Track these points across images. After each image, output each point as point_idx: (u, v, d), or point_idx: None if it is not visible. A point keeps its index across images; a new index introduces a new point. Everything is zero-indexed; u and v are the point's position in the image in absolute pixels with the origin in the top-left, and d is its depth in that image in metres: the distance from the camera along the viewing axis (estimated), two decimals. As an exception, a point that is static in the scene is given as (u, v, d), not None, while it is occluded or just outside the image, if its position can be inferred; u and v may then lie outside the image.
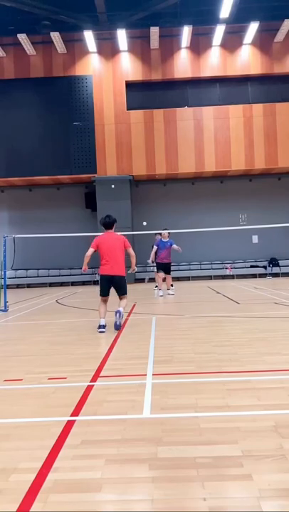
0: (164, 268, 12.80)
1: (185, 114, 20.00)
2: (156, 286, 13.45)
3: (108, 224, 7.32)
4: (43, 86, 19.80)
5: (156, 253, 12.82)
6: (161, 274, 12.80)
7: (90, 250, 7.29)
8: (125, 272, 7.19)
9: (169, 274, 12.98)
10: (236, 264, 21.00)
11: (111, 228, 7.36)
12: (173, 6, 18.01)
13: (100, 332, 6.87)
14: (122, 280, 7.14)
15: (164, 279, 13.01)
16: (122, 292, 7.21)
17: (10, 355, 5.71)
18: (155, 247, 12.84)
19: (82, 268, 7.50)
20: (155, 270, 13.46)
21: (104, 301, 7.28)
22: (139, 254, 16.77)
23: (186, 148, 19.73)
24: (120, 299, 7.28)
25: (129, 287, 7.37)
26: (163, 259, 12.73)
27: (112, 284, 7.13)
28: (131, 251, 7.34)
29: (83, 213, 20.98)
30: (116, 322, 7.01)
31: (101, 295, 7.24)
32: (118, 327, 7.00)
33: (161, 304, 11.36)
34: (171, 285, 13.33)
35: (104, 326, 6.95)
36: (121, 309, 7.07)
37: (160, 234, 13.34)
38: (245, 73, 20.07)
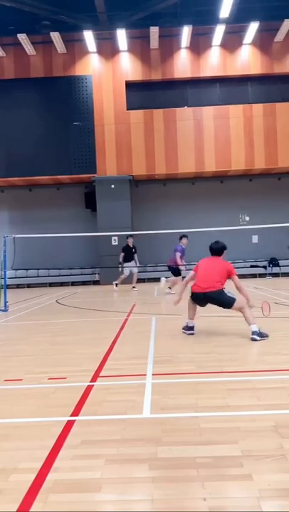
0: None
1: (185, 114, 19.99)
2: (134, 287, 15.27)
3: (214, 250, 6.90)
4: (43, 86, 19.79)
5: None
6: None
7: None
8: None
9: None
10: (236, 264, 20.96)
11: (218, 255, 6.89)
12: (173, 6, 17.99)
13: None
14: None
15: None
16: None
17: (10, 355, 5.71)
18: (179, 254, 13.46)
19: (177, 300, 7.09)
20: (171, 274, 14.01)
21: None
22: (139, 254, 16.84)
23: (186, 148, 19.73)
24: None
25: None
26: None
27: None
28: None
29: (83, 213, 20.97)
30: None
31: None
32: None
33: (161, 304, 11.36)
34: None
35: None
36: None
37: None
38: (245, 73, 20.06)
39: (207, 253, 7.10)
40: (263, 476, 2.32)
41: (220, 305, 6.43)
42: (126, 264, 15.73)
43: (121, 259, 15.66)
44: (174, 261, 13.32)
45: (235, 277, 6.59)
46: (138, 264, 15.99)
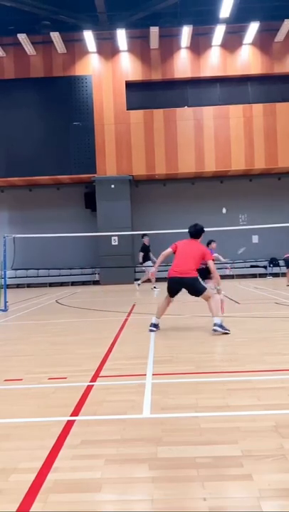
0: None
1: (185, 114, 19.99)
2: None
3: (192, 233, 6.98)
4: (43, 86, 19.79)
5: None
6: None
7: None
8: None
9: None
10: (236, 264, 20.98)
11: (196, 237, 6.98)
12: (173, 6, 17.99)
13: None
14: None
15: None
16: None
17: (10, 355, 5.71)
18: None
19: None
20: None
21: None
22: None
23: (186, 148, 19.73)
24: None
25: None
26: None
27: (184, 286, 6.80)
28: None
29: (83, 213, 20.97)
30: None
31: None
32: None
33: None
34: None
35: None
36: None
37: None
38: (245, 73, 20.06)
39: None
40: (263, 476, 2.32)
41: (191, 292, 6.68)
42: (146, 264, 15.59)
43: (141, 259, 15.58)
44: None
45: (211, 262, 6.79)
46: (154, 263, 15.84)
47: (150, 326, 6.74)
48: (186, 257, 6.62)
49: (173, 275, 6.63)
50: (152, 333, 6.67)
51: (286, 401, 3.46)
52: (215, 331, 6.19)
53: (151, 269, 15.54)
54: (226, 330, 6.23)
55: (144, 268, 15.97)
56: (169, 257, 6.97)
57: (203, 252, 6.74)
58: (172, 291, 6.78)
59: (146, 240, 15.74)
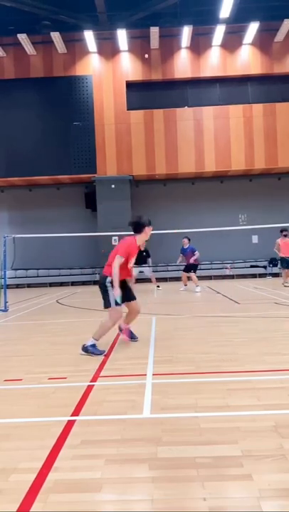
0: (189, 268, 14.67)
1: (185, 114, 20.00)
2: (158, 286, 15.47)
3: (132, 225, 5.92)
4: (43, 86, 19.80)
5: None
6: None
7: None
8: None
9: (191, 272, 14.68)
10: (236, 264, 21.00)
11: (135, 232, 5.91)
12: (173, 6, 18.00)
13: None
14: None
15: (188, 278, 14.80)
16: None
17: (10, 355, 5.71)
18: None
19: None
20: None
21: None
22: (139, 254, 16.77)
23: (186, 148, 19.73)
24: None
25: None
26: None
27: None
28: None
29: (83, 213, 20.98)
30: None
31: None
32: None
33: (161, 304, 11.36)
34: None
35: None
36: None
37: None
38: (245, 73, 20.06)
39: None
40: (263, 476, 2.32)
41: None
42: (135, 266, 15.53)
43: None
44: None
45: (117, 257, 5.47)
46: (150, 267, 15.72)
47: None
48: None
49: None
50: (152, 333, 6.67)
51: (286, 401, 3.46)
52: (83, 352, 5.26)
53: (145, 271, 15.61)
54: (96, 353, 5.24)
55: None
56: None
57: (116, 249, 5.62)
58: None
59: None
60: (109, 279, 5.41)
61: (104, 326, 5.40)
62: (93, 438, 2.90)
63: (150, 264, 15.61)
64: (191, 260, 14.33)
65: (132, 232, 5.87)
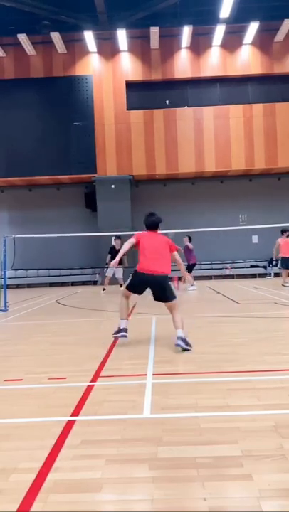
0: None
1: (185, 114, 20.00)
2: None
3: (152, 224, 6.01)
4: (43, 86, 19.80)
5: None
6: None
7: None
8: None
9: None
10: (236, 264, 20.99)
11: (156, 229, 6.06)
12: (173, 6, 17.99)
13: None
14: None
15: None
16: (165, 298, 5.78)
17: (10, 355, 5.71)
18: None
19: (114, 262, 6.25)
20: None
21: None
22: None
23: (186, 148, 19.73)
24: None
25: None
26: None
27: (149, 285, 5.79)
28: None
29: (83, 213, 20.97)
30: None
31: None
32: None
33: (161, 304, 11.34)
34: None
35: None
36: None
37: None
38: (245, 73, 20.07)
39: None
40: (263, 476, 2.32)
41: (160, 294, 5.73)
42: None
43: (108, 261, 14.67)
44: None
45: (176, 253, 5.99)
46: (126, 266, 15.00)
47: (121, 332, 5.75)
48: (158, 251, 5.74)
49: (144, 271, 5.67)
50: (152, 333, 6.66)
51: (286, 401, 3.46)
52: (178, 345, 5.31)
53: (118, 273, 15.01)
54: (188, 346, 5.35)
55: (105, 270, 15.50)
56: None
57: (170, 243, 5.91)
58: (140, 290, 5.91)
59: (117, 243, 15.00)
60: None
61: (181, 318, 5.62)
62: (93, 438, 2.90)
63: (126, 264, 14.91)
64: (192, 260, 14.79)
65: (149, 230, 6.03)
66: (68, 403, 3.57)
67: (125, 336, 5.73)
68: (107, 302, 12.87)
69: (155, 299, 5.85)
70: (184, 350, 5.27)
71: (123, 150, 19.78)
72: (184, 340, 5.35)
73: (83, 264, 21.14)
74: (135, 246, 5.92)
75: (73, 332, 7.34)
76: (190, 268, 14.79)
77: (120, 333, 5.74)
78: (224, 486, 2.26)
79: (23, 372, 4.65)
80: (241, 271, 20.80)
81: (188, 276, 6.31)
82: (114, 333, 5.88)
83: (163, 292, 5.68)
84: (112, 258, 14.71)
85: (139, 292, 5.91)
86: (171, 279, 5.96)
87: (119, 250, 14.37)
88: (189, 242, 15.12)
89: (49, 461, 2.58)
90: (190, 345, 5.36)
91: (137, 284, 5.78)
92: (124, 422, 3.16)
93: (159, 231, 6.09)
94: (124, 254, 6.37)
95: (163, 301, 5.79)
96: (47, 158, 19.48)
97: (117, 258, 6.10)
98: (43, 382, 4.24)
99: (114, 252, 14.83)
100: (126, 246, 6.01)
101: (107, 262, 15.00)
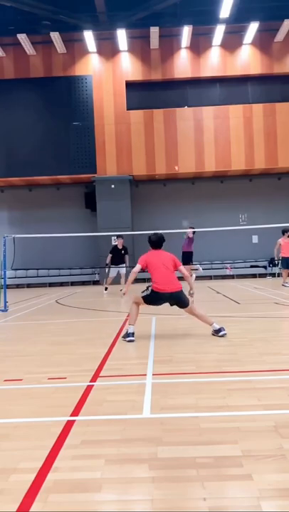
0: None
1: (185, 114, 20.00)
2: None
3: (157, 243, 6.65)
4: (42, 86, 19.80)
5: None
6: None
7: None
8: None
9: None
10: (236, 264, 21.00)
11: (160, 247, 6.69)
12: (173, 6, 17.99)
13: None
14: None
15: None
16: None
17: (10, 355, 5.71)
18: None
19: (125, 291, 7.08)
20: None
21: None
22: (139, 254, 16.78)
23: (186, 148, 19.73)
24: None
25: (130, 287, 7.22)
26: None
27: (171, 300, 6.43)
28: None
29: (83, 213, 20.97)
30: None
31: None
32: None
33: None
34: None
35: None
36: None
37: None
38: (245, 73, 20.07)
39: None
40: (263, 476, 2.32)
41: (178, 305, 6.40)
42: (113, 266, 14.69)
43: (108, 261, 14.64)
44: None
45: (182, 267, 6.67)
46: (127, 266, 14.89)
47: (129, 336, 6.10)
48: (167, 269, 6.34)
49: (163, 290, 6.21)
50: (152, 333, 6.66)
51: (286, 401, 3.46)
52: (223, 335, 6.09)
53: (121, 270, 14.64)
54: (224, 331, 6.15)
55: (107, 270, 15.20)
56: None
57: (175, 260, 6.55)
58: (157, 304, 6.57)
59: (119, 242, 14.71)
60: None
61: (203, 314, 6.43)
62: (93, 438, 2.90)
63: (127, 263, 14.79)
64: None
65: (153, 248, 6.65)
66: (68, 403, 3.57)
67: (132, 341, 6.06)
68: (107, 302, 12.88)
69: (177, 306, 6.44)
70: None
71: (123, 150, 19.78)
72: (222, 328, 6.11)
73: (83, 264, 21.15)
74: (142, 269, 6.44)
75: (73, 332, 7.34)
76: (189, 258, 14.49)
77: (128, 338, 6.09)
78: (224, 486, 2.26)
79: (23, 372, 4.65)
80: (241, 271, 20.81)
81: (193, 283, 6.93)
82: (123, 337, 6.24)
83: (181, 303, 6.35)
84: (114, 258, 14.88)
85: (155, 305, 6.59)
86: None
87: (121, 250, 14.50)
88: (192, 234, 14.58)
89: (49, 461, 2.58)
90: (225, 329, 6.12)
91: (155, 300, 6.39)
92: (124, 421, 3.16)
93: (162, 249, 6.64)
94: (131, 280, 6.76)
95: (183, 308, 6.43)
96: (47, 158, 19.48)
97: (126, 288, 6.85)
98: (43, 382, 4.24)
99: (115, 251, 14.60)
100: (132, 276, 6.53)
101: (107, 262, 14.74)
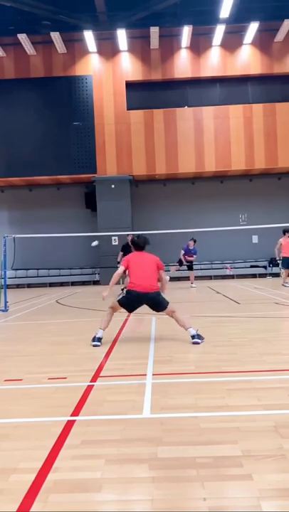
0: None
1: (185, 114, 20.00)
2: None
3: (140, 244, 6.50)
4: (43, 86, 19.80)
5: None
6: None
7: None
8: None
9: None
10: (236, 264, 20.99)
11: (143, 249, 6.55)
12: (173, 6, 17.98)
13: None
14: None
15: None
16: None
17: (10, 355, 5.71)
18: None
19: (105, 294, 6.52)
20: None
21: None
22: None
23: (186, 148, 19.73)
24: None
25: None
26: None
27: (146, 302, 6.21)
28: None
29: (83, 213, 20.97)
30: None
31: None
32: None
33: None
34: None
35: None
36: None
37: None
38: (245, 73, 20.06)
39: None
40: (263, 476, 2.32)
41: (156, 308, 6.17)
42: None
43: (119, 259, 14.57)
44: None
45: (162, 272, 6.48)
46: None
47: (95, 341, 5.90)
48: (146, 269, 6.16)
49: (138, 290, 6.00)
50: (152, 333, 6.66)
51: (286, 401, 3.46)
52: (196, 343, 5.70)
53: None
54: (202, 339, 5.81)
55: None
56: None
57: (158, 262, 6.35)
58: (133, 308, 6.29)
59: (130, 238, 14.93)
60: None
61: (182, 317, 6.15)
62: (93, 438, 2.90)
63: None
64: (189, 259, 15.71)
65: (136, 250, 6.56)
66: (68, 403, 3.57)
67: (97, 346, 5.86)
68: (106, 302, 12.87)
69: (153, 310, 6.27)
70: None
71: (123, 150, 19.78)
72: (198, 336, 5.80)
73: (83, 264, 21.14)
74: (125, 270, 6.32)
75: (73, 332, 7.34)
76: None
77: (94, 342, 5.91)
78: (224, 486, 2.26)
79: (23, 372, 4.65)
80: (241, 271, 20.80)
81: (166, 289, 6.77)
82: (92, 341, 5.99)
83: (158, 305, 6.13)
84: (125, 255, 14.83)
85: (132, 310, 6.38)
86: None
87: (130, 247, 14.49)
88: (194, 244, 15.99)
89: (49, 461, 2.58)
90: (203, 338, 5.84)
91: (131, 302, 6.14)
92: (124, 421, 3.16)
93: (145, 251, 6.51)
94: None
95: (160, 311, 6.24)
96: (47, 158, 19.48)
97: (108, 291, 6.48)
98: (43, 382, 4.24)
99: (127, 248, 14.50)
100: (115, 278, 6.35)
101: (118, 260, 14.37)
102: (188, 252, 15.75)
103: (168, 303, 6.12)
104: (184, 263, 16.00)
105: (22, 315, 10.03)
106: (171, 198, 21.05)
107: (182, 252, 15.86)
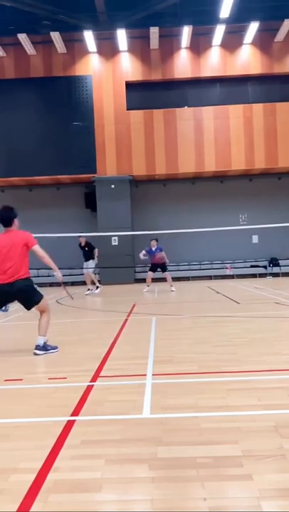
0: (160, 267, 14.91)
1: (185, 114, 19.99)
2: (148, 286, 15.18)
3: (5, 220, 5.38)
4: (43, 86, 19.79)
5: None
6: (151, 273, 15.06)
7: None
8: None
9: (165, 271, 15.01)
10: (236, 264, 20.99)
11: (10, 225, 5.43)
12: (173, 6, 17.98)
13: None
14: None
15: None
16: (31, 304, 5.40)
17: (10, 355, 5.71)
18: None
19: None
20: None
21: None
22: (139, 254, 16.82)
23: (186, 148, 19.73)
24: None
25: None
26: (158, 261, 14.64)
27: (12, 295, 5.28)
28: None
29: (83, 213, 20.96)
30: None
31: None
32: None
33: (161, 304, 11.36)
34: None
35: None
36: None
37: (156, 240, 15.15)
38: (245, 73, 20.06)
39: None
40: (263, 476, 2.32)
41: (27, 303, 5.38)
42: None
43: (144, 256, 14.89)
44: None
45: (37, 247, 5.47)
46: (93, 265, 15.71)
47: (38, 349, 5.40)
48: (10, 254, 5.22)
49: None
50: (152, 333, 6.66)
51: (286, 401, 3.46)
52: (35, 354, 5.29)
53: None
54: (49, 350, 5.38)
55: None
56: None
57: (26, 239, 5.39)
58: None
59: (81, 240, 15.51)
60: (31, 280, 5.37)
61: (47, 321, 5.52)
62: (93, 438, 2.90)
63: (95, 261, 15.39)
64: (158, 260, 14.56)
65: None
66: (68, 403, 3.57)
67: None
68: (107, 302, 12.88)
69: (25, 307, 5.51)
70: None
71: (123, 150, 19.77)
72: (44, 348, 5.37)
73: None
74: None
75: (73, 332, 7.34)
76: (158, 267, 14.89)
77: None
78: (224, 486, 2.26)
79: (23, 373, 4.65)
80: (241, 271, 20.80)
81: (59, 273, 5.74)
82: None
83: (29, 299, 5.35)
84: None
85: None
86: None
87: (155, 251, 14.62)
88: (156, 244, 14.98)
89: (49, 461, 2.58)
90: (53, 348, 5.43)
91: None
92: (124, 422, 3.16)
93: (14, 228, 5.48)
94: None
95: (33, 307, 5.42)
96: (47, 158, 19.47)
97: None
98: (43, 382, 4.24)
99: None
100: None
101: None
102: (151, 253, 14.73)
103: (42, 296, 5.40)
104: (156, 268, 14.90)
105: (22, 315, 10.02)
106: (171, 198, 21.05)
107: (142, 254, 14.71)
